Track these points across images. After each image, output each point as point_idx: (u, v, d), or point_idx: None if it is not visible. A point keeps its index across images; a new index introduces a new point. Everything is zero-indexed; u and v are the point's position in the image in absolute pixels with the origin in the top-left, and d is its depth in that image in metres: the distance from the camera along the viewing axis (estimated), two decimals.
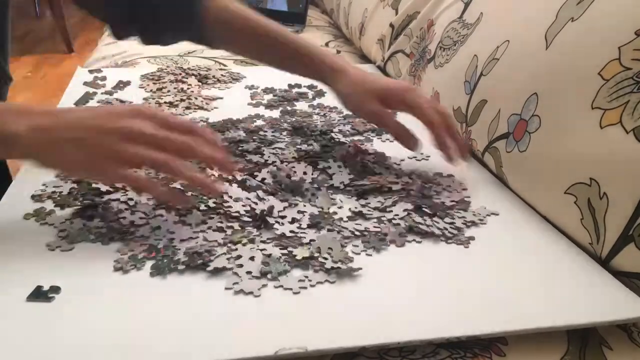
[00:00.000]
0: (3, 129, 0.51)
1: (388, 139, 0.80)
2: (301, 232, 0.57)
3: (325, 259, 0.52)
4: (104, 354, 0.42)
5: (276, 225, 0.57)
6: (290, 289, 0.49)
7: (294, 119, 0.85)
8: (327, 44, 1.42)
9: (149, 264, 0.52)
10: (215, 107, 0.90)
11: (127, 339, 0.44)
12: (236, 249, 0.54)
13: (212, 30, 0.79)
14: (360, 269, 0.51)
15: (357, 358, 0.45)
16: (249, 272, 0.51)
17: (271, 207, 0.59)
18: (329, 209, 0.61)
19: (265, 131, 0.78)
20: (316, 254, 0.53)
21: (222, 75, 1.05)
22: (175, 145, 0.54)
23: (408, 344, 0.45)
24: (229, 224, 0.58)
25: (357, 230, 0.57)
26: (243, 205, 0.60)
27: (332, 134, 0.79)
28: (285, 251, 0.54)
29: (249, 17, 0.78)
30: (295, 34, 0.80)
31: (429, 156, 0.75)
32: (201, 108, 0.89)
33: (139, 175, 0.56)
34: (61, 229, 0.56)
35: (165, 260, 0.52)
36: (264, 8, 1.50)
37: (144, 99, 0.92)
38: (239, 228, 0.57)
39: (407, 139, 0.70)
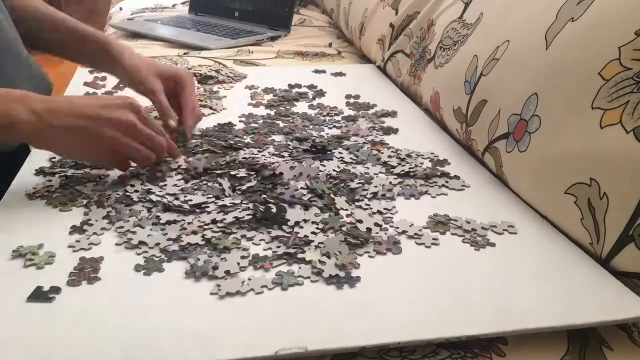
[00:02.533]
0: (6, 114, 0.57)
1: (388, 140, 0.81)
2: (312, 235, 0.57)
3: (329, 258, 0.53)
4: (104, 354, 0.42)
5: (296, 229, 0.58)
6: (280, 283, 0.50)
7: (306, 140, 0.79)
8: (329, 45, 1.42)
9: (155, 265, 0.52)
10: (223, 108, 0.91)
11: (127, 339, 0.43)
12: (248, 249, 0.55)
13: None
14: (359, 277, 0.51)
15: (357, 358, 0.45)
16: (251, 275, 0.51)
17: (282, 207, 0.60)
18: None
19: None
20: (323, 259, 0.53)
21: (222, 75, 1.05)
22: (152, 144, 0.65)
23: (408, 344, 0.45)
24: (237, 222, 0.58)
25: (362, 237, 0.56)
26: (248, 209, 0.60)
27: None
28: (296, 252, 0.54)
29: (53, 15, 0.87)
30: (95, 30, 0.87)
31: (437, 155, 0.76)
32: (210, 108, 0.90)
33: (125, 160, 0.65)
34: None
35: (156, 259, 0.53)
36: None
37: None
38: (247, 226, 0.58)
39: (166, 118, 0.78)
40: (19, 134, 0.59)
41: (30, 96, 0.60)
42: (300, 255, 0.54)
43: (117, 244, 0.55)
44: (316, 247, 0.55)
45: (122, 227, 0.57)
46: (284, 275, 0.51)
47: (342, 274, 0.51)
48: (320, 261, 0.53)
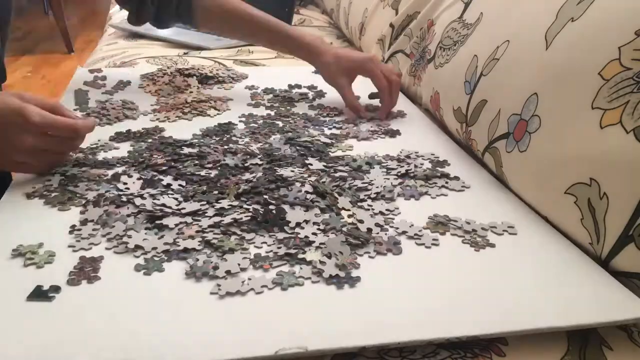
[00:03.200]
0: None
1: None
2: (312, 236, 0.57)
3: (329, 258, 0.53)
4: (104, 353, 0.42)
5: (297, 229, 0.57)
6: (281, 283, 0.50)
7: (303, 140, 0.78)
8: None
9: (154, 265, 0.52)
10: (227, 109, 0.91)
11: (127, 338, 0.43)
12: (247, 248, 0.55)
13: (203, 15, 1.00)
14: (359, 277, 0.51)
15: (357, 358, 0.45)
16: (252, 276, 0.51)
17: (282, 209, 0.60)
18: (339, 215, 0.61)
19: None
20: (324, 259, 0.53)
21: (222, 75, 1.05)
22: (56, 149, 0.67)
23: (408, 344, 0.45)
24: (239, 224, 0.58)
25: (362, 237, 0.56)
26: (248, 210, 0.60)
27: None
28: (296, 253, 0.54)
29: (236, 4, 0.99)
30: (277, 20, 0.99)
31: (437, 156, 0.76)
32: (214, 108, 0.90)
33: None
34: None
35: (156, 259, 0.53)
36: None
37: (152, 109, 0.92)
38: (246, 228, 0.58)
39: (357, 111, 0.91)
40: None
41: None
42: (301, 256, 0.53)
43: (115, 252, 0.54)
44: (317, 247, 0.55)
45: (116, 233, 0.56)
46: (284, 275, 0.51)
47: (342, 274, 0.51)
48: (320, 261, 0.53)
